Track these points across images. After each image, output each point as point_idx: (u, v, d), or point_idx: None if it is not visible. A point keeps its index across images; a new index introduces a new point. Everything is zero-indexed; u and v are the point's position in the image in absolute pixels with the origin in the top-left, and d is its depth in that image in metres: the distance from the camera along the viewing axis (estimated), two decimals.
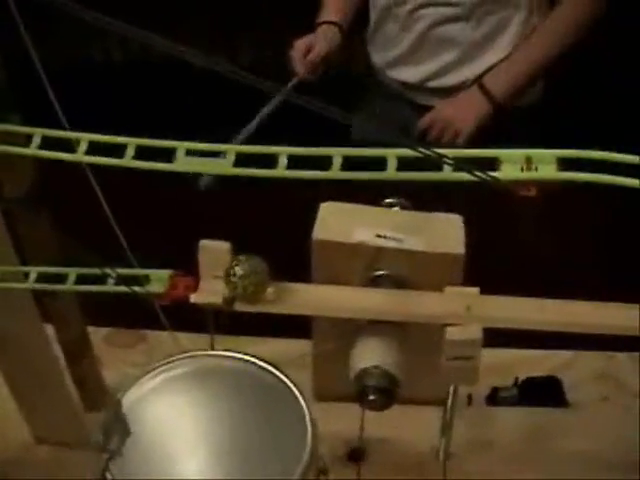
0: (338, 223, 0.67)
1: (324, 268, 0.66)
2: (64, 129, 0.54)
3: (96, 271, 0.59)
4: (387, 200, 0.69)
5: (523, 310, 0.57)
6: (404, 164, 0.48)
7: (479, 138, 1.21)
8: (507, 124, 1.20)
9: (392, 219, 0.68)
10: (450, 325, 0.56)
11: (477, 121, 1.21)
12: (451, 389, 0.67)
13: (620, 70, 1.66)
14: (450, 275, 0.62)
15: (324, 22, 1.31)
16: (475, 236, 0.66)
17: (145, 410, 0.55)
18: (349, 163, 0.49)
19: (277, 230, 0.91)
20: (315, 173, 0.49)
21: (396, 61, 1.33)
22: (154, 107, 1.68)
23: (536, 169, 0.46)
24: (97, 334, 0.85)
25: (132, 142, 0.52)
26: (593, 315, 0.56)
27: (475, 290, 0.58)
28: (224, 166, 0.50)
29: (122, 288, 0.58)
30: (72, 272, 0.59)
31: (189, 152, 0.51)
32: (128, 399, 0.56)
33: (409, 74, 1.32)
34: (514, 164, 0.47)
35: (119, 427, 0.53)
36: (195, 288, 0.59)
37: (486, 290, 0.58)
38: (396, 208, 0.69)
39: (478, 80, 1.23)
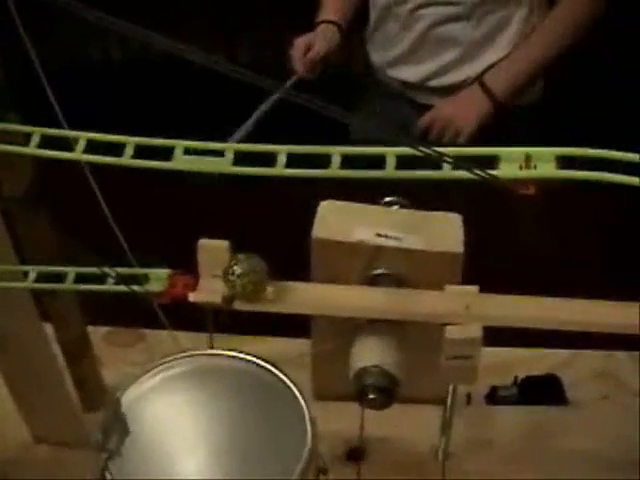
0: (337, 222, 0.67)
1: (323, 267, 0.66)
2: (63, 128, 0.54)
3: (95, 270, 0.59)
4: (386, 199, 0.69)
5: (522, 309, 0.57)
6: (403, 163, 0.48)
7: (479, 137, 1.21)
8: (507, 123, 1.20)
9: (391, 218, 0.68)
10: (449, 324, 0.56)
11: (478, 120, 1.21)
12: (450, 388, 0.67)
13: (619, 69, 1.66)
14: (449, 274, 0.62)
15: (323, 21, 1.32)
16: (474, 235, 0.66)
17: (144, 409, 0.55)
18: (348, 162, 0.49)
19: (276, 229, 0.91)
20: (314, 171, 0.49)
21: (396, 60, 1.33)
22: (152, 106, 1.68)
23: (535, 167, 0.46)
24: (96, 333, 0.85)
25: (131, 141, 0.51)
26: (593, 313, 0.56)
27: (474, 289, 0.58)
28: (223, 165, 0.50)
29: (121, 287, 0.58)
30: (71, 271, 0.59)
31: (187, 151, 0.51)
32: (127, 398, 0.55)
33: (409, 73, 1.32)
34: (513, 162, 0.47)
35: (118, 426, 0.53)
36: (194, 287, 0.59)
37: (485, 289, 0.58)
38: (395, 207, 0.69)
39: (479, 79, 1.23)
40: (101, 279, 0.58)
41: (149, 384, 0.57)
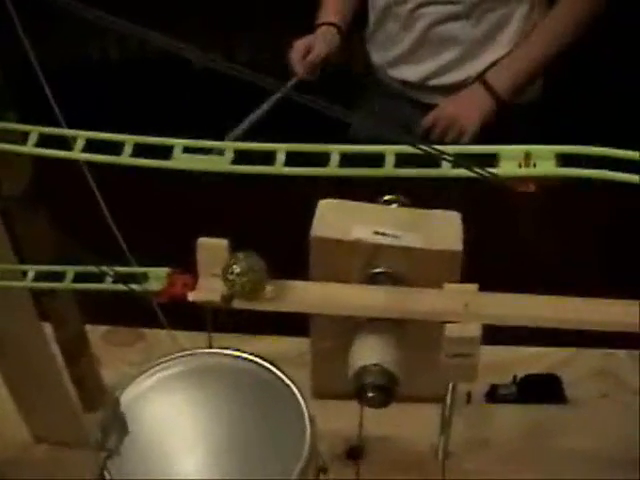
0: (336, 220, 0.67)
1: (322, 265, 0.66)
2: (61, 127, 0.53)
3: (94, 269, 0.59)
4: (385, 197, 0.69)
5: (522, 307, 0.57)
6: (402, 161, 0.48)
7: (480, 135, 1.21)
8: (507, 121, 1.20)
9: (390, 216, 0.68)
10: (449, 322, 0.56)
11: (482, 118, 1.21)
12: (450, 386, 0.67)
13: (619, 67, 1.65)
14: (449, 272, 0.62)
15: (323, 23, 1.31)
16: (473, 233, 0.66)
17: (143, 409, 0.55)
18: (347, 160, 0.49)
19: (275, 227, 0.90)
20: (313, 170, 0.49)
21: (397, 60, 1.32)
22: (151, 105, 1.68)
23: (535, 165, 0.46)
24: (95, 332, 0.85)
25: (129, 139, 0.51)
26: (592, 312, 0.56)
27: (474, 287, 0.58)
28: (222, 163, 0.50)
29: (120, 286, 0.58)
30: (70, 270, 0.59)
31: (186, 149, 0.51)
32: (126, 397, 0.55)
33: (410, 73, 1.32)
34: (513, 160, 0.47)
35: (117, 426, 0.53)
36: (193, 286, 0.59)
37: (485, 287, 0.58)
38: (394, 205, 0.69)
39: (480, 77, 1.23)
40: (100, 278, 0.58)
41: (148, 383, 0.57)
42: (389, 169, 0.48)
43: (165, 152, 0.51)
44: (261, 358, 0.58)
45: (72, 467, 0.73)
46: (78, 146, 0.52)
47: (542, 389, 0.82)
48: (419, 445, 0.76)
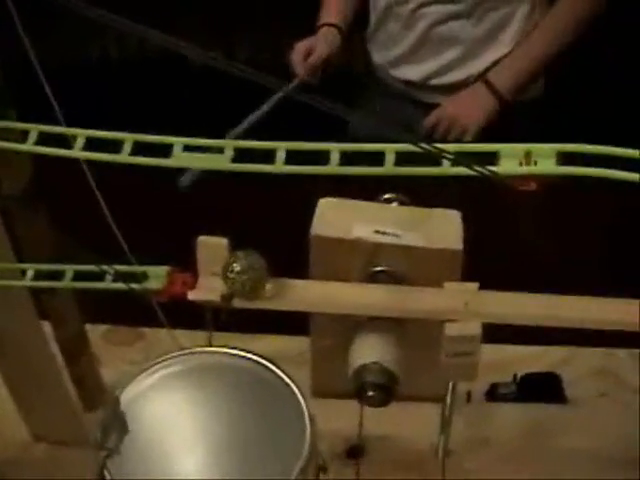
0: (336, 219, 0.67)
1: (322, 264, 0.66)
2: (61, 125, 0.53)
3: (93, 268, 0.59)
4: (385, 196, 0.69)
5: (522, 306, 0.57)
6: (402, 159, 0.48)
7: (482, 133, 1.21)
8: (508, 119, 1.20)
9: (390, 215, 0.68)
10: (449, 321, 0.56)
11: (484, 117, 1.21)
12: (450, 385, 0.67)
13: (620, 65, 1.65)
14: (449, 271, 0.62)
15: (324, 24, 1.31)
16: (474, 232, 0.66)
17: (143, 408, 0.55)
18: (347, 159, 0.49)
19: (275, 226, 0.90)
20: (313, 168, 0.49)
21: (398, 60, 1.32)
22: (151, 103, 1.68)
23: (535, 163, 0.46)
24: (95, 332, 0.85)
25: (129, 138, 0.51)
26: (592, 311, 0.56)
27: (474, 286, 0.58)
28: (222, 161, 0.50)
29: (120, 285, 0.58)
30: (69, 269, 0.59)
31: (186, 148, 0.51)
32: (126, 397, 0.55)
33: (411, 73, 1.31)
34: (513, 158, 0.47)
35: (117, 425, 0.53)
36: (193, 285, 0.59)
37: (485, 286, 0.58)
38: (394, 204, 0.69)
39: (482, 77, 1.23)
40: (99, 277, 0.58)
41: (148, 382, 0.57)
42: (389, 167, 0.48)
43: (165, 150, 0.51)
44: (261, 357, 0.58)
45: (72, 466, 0.73)
46: (78, 144, 0.52)
47: (542, 388, 0.82)
48: (419, 444, 0.76)
